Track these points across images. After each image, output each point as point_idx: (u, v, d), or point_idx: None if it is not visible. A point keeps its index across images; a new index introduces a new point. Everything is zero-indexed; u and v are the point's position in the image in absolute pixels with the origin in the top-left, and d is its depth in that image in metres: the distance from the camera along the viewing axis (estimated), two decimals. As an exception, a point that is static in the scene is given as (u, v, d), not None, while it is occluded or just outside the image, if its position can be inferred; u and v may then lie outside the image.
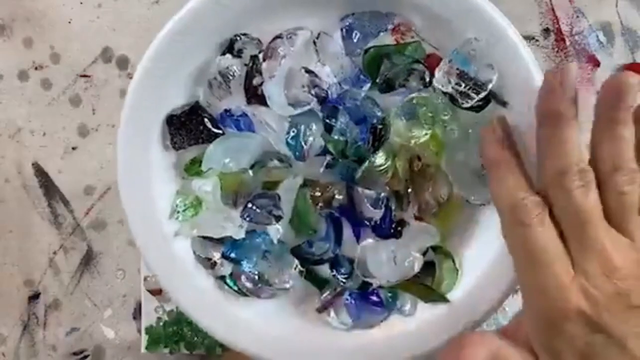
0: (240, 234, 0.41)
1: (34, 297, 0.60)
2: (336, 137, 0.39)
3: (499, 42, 0.38)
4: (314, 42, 0.39)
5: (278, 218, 0.40)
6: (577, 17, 0.56)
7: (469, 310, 0.40)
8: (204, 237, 0.42)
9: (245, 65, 0.40)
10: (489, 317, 0.40)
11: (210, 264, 0.42)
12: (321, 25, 0.40)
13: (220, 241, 0.42)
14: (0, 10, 0.57)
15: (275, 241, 0.41)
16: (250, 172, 0.40)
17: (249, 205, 0.40)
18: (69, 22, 0.57)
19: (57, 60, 0.57)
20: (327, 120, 0.39)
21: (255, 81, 0.40)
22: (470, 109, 0.39)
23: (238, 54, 0.40)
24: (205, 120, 0.41)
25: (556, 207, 0.34)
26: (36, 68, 0.58)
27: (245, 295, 0.42)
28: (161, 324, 0.57)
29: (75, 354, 0.60)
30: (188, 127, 0.41)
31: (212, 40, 0.40)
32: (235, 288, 0.42)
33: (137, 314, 0.59)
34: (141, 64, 0.40)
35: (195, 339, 0.57)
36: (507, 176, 0.35)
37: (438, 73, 0.39)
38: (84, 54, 0.57)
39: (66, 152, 0.58)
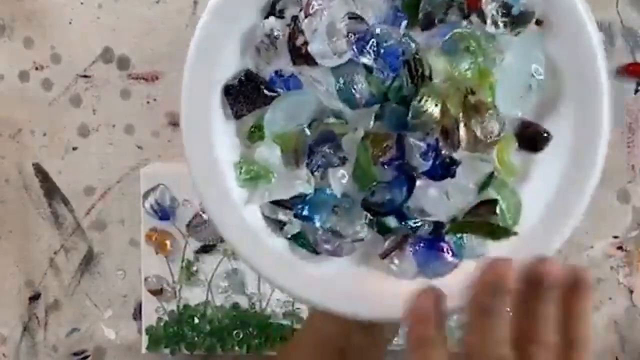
0: (310, 189, 0.41)
1: (35, 297, 0.60)
2: (376, 75, 0.39)
3: None
4: None
5: (344, 159, 0.40)
6: (577, 17, 0.56)
7: (539, 242, 0.40)
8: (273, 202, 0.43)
9: (288, 25, 0.41)
10: (559, 246, 0.40)
11: (280, 226, 0.43)
12: None
13: (287, 202, 0.43)
14: (0, 11, 0.57)
15: (339, 194, 0.41)
16: (307, 129, 0.41)
17: (313, 151, 0.41)
18: (70, 23, 0.57)
19: (58, 60, 0.57)
20: (362, 57, 0.39)
21: (299, 41, 0.41)
22: (514, 28, 0.39)
23: (280, 15, 0.41)
24: (260, 85, 0.42)
25: None
26: (37, 68, 0.58)
27: (316, 253, 0.42)
28: (162, 324, 0.57)
29: (75, 354, 0.60)
30: (245, 94, 0.42)
31: (252, 7, 0.41)
32: (307, 246, 0.43)
33: (137, 314, 0.59)
34: (193, 41, 0.41)
35: (196, 339, 0.57)
36: (425, 356, 0.33)
37: None
38: (84, 54, 0.57)
39: (66, 152, 0.58)
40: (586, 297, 0.37)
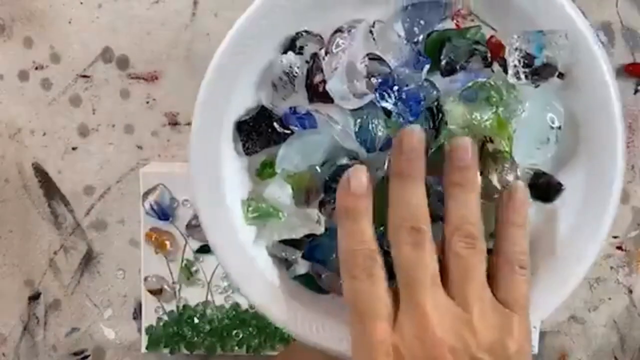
0: (320, 229, 0.41)
1: (34, 297, 0.60)
2: (395, 119, 0.39)
3: (562, 24, 0.38)
4: (371, 32, 0.40)
5: None
6: (577, 17, 0.56)
7: (551, 288, 0.40)
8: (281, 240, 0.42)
9: (307, 62, 0.41)
10: (571, 291, 0.40)
11: (287, 265, 0.42)
12: (381, 16, 0.41)
13: (296, 242, 0.42)
14: (0, 10, 0.57)
15: None
16: (319, 168, 0.41)
17: (330, 187, 0.40)
18: (69, 22, 0.57)
19: (57, 60, 0.57)
20: (383, 101, 0.39)
21: (317, 79, 0.40)
22: (533, 82, 0.39)
23: (299, 52, 0.41)
24: (274, 122, 0.41)
25: (393, 260, 0.34)
26: (36, 68, 0.58)
27: (321, 292, 0.42)
28: (161, 324, 0.57)
29: (75, 354, 0.60)
30: (258, 131, 0.41)
31: (271, 42, 0.41)
32: (313, 286, 0.42)
33: (137, 314, 0.59)
34: (207, 75, 0.40)
35: (196, 339, 0.57)
36: (349, 226, 0.35)
37: (512, 39, 0.39)
38: (84, 54, 0.57)
39: (66, 152, 0.58)
40: (515, 208, 0.36)
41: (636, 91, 0.57)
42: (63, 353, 0.60)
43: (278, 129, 0.41)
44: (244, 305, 0.57)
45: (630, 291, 0.60)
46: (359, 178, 0.35)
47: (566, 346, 0.61)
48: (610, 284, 0.60)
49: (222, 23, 0.57)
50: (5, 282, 0.60)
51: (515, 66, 0.38)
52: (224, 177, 0.41)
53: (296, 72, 0.40)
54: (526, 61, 0.38)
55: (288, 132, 0.41)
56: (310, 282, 0.42)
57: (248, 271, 0.42)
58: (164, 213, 0.55)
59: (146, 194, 0.55)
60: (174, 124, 0.58)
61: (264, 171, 0.42)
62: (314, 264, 0.42)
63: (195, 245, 0.56)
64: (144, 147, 0.58)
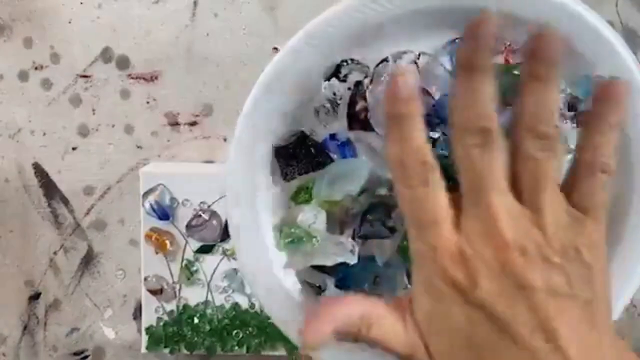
0: (353, 259, 0.40)
1: (35, 297, 0.60)
2: (439, 151, 0.38)
3: (609, 58, 0.38)
4: (415, 63, 0.40)
5: (392, 230, 0.40)
6: (578, 17, 0.56)
7: None
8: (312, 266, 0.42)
9: (349, 89, 0.40)
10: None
11: (317, 291, 0.42)
12: (428, 49, 0.40)
13: (328, 268, 0.42)
14: (0, 10, 0.57)
15: (381, 263, 0.41)
16: (356, 197, 0.40)
17: (364, 220, 0.40)
18: (69, 22, 0.57)
19: (57, 60, 0.57)
20: (432, 132, 0.38)
21: (358, 106, 0.40)
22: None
23: (343, 79, 0.40)
24: (312, 148, 0.41)
25: (456, 163, 0.31)
26: (36, 68, 0.58)
27: None
28: (161, 324, 0.57)
29: (75, 354, 0.60)
30: (298, 157, 0.40)
31: (315, 69, 0.40)
32: None
33: (137, 314, 0.59)
34: (250, 96, 0.40)
35: (196, 339, 0.57)
36: (401, 132, 0.31)
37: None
38: (84, 54, 0.57)
39: (66, 152, 0.58)
40: (610, 111, 0.31)
41: (636, 91, 0.57)
42: (63, 353, 0.60)
43: (317, 156, 0.41)
44: (244, 305, 0.57)
45: (631, 291, 0.60)
46: (404, 80, 0.31)
47: (566, 346, 0.61)
48: (611, 284, 0.60)
49: (222, 23, 0.57)
50: (5, 282, 0.60)
51: (560, 108, 0.38)
52: (259, 202, 0.41)
53: (340, 100, 0.40)
54: (571, 104, 0.37)
55: (327, 158, 0.41)
56: None
57: (278, 296, 0.41)
58: (164, 213, 0.55)
59: (146, 194, 0.55)
60: (174, 124, 0.58)
61: (299, 196, 0.42)
62: (345, 291, 0.42)
63: (195, 245, 0.56)
64: (144, 147, 0.58)
